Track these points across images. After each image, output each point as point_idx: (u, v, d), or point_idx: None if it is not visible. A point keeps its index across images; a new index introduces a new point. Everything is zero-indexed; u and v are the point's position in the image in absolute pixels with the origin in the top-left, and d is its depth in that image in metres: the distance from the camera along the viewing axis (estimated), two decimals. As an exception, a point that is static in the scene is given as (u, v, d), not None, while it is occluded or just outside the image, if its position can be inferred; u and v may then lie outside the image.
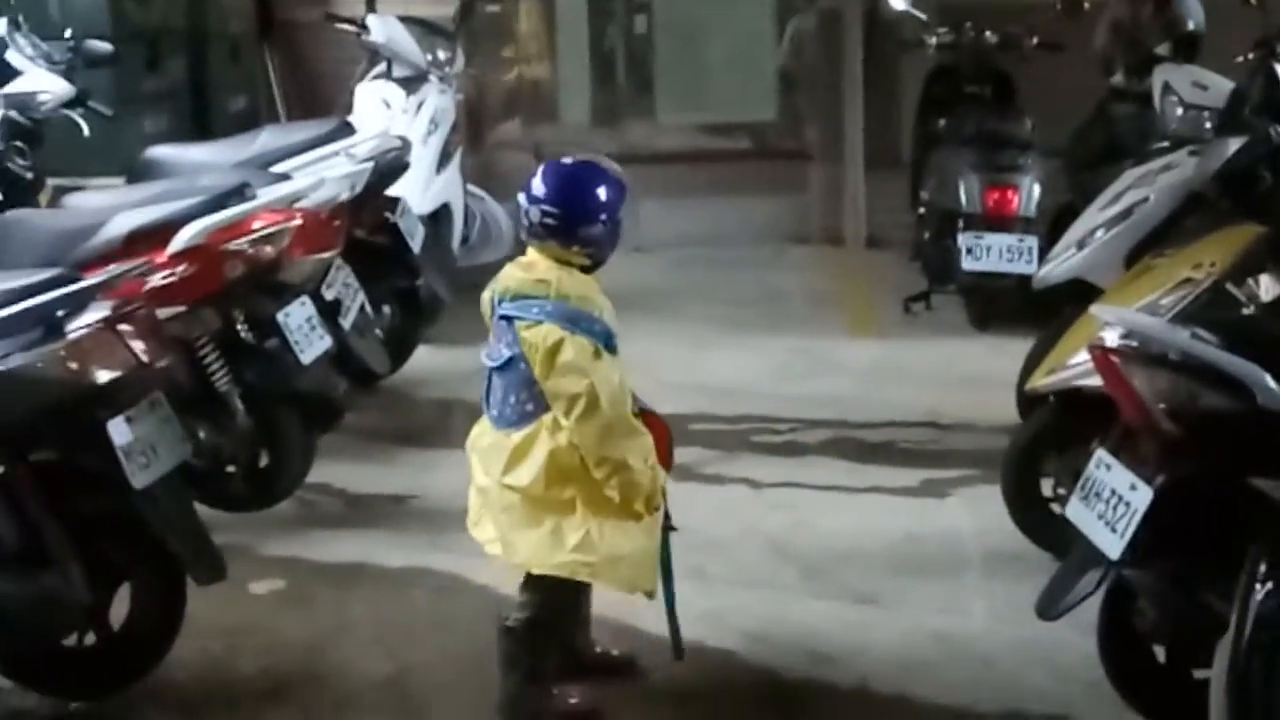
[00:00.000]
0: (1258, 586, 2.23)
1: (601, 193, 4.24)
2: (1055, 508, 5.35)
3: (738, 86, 12.47)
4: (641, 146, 12.06)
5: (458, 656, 4.90)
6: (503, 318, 4.22)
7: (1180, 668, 4.24)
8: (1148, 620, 4.06)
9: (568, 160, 4.39)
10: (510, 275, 4.26)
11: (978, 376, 7.69)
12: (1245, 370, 3.62)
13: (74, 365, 4.27)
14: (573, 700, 4.41)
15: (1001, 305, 8.77)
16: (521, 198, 4.24)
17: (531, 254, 4.28)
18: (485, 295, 4.31)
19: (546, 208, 4.19)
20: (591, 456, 4.08)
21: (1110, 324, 4.28)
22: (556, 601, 4.36)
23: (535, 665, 4.39)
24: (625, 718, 4.43)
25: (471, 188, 9.53)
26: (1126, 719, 4.27)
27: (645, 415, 4.29)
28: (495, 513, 4.33)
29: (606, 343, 4.19)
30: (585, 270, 4.28)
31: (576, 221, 4.20)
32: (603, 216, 4.22)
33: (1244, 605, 2.22)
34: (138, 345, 4.42)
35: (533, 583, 4.33)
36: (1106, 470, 4.01)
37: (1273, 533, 3.37)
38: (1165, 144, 6.96)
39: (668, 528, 4.31)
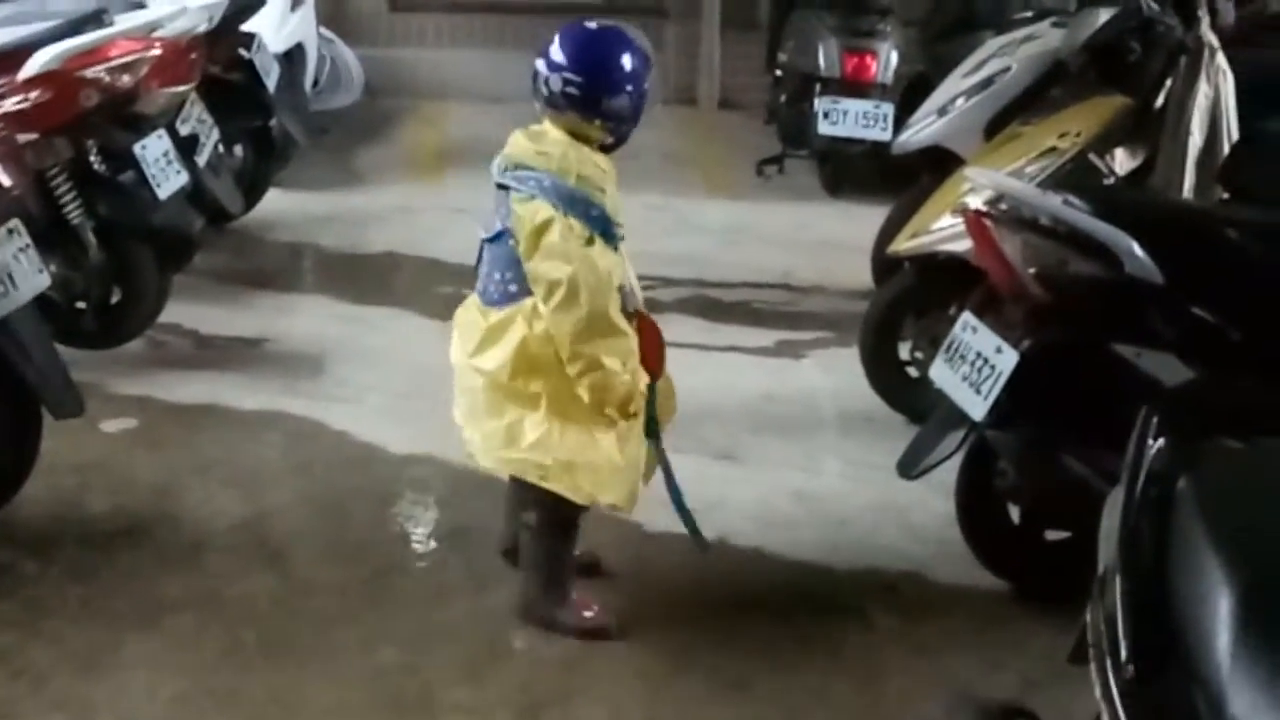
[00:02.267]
0: (1150, 443, 2.28)
1: (628, 62, 3.89)
2: (911, 371, 5.45)
3: (594, -60, 12.29)
4: (498, -3, 11.88)
5: (315, 501, 4.85)
6: (500, 186, 3.91)
7: (1033, 529, 4.38)
8: (1007, 481, 4.16)
9: (591, 25, 3.98)
10: (516, 142, 3.94)
11: (830, 240, 7.81)
12: (1115, 238, 3.69)
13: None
14: (588, 614, 4.15)
15: (854, 171, 8.88)
16: (540, 64, 3.88)
17: (545, 123, 3.94)
18: (495, 161, 3.96)
19: (569, 75, 3.82)
20: (565, 349, 3.80)
21: (981, 186, 4.33)
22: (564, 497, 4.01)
23: (552, 568, 4.16)
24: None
25: (323, 30, 9.30)
26: (976, 575, 4.40)
27: (638, 316, 4.00)
28: (459, 392, 4.08)
29: (604, 230, 3.87)
30: (604, 149, 3.95)
31: (601, 92, 3.84)
32: (629, 87, 3.87)
33: (1136, 462, 2.27)
34: (-6, 169, 4.28)
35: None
36: (973, 333, 4.07)
37: (1163, 394, 3.47)
38: (1028, 14, 7.05)
39: (653, 433, 4.04)
